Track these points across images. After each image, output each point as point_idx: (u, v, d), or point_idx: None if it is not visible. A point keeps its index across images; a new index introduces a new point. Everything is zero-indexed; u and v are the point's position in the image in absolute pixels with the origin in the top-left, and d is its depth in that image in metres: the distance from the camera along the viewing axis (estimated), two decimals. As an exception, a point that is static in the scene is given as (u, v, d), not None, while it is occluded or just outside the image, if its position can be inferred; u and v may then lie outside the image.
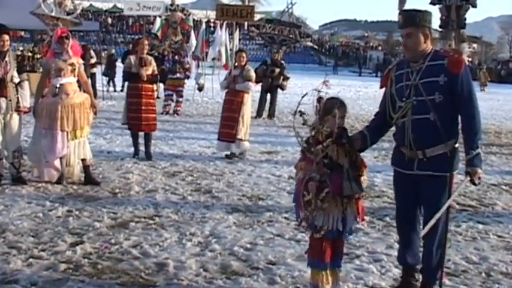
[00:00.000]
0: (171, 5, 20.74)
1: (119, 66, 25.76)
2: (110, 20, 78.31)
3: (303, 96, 4.45)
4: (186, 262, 5.92)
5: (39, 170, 8.87)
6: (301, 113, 4.53)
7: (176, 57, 19.33)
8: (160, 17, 20.94)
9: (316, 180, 4.58)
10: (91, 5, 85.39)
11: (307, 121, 4.56)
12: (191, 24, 22.17)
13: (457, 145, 5.01)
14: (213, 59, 23.77)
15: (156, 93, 14.81)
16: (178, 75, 19.08)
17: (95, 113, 9.26)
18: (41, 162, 8.77)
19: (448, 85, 4.84)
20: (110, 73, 26.02)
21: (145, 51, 11.36)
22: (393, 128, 5.28)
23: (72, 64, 8.76)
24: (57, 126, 8.52)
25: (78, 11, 18.68)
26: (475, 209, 8.67)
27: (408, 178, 5.11)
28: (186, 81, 19.95)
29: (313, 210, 4.64)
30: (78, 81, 9.02)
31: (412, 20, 4.96)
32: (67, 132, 8.62)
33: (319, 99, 4.60)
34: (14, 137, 8.70)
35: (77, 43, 9.46)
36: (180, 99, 19.41)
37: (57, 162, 8.78)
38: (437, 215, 4.79)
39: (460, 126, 5.05)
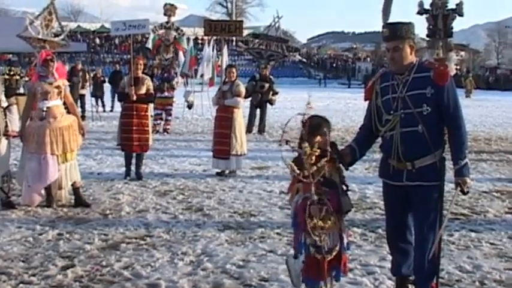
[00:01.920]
0: (167, 22, 20.81)
1: (107, 86, 25.83)
2: (98, 41, 78.43)
3: (286, 124, 4.40)
4: (178, 282, 5.87)
5: (22, 194, 8.81)
6: (287, 142, 4.49)
7: (165, 75, 19.35)
8: (154, 32, 20.99)
9: (315, 202, 4.52)
10: (79, 26, 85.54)
11: (294, 148, 4.52)
12: (185, 46, 22.16)
13: (444, 154, 5.00)
14: (202, 75, 23.77)
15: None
16: (166, 93, 19.09)
17: (83, 135, 9.16)
18: (24, 185, 8.73)
19: (435, 97, 4.84)
20: (97, 93, 25.88)
21: (140, 71, 11.32)
22: (379, 139, 5.27)
23: (58, 87, 8.71)
24: (47, 150, 8.45)
25: (66, 33, 18.65)
26: (467, 217, 8.65)
27: (397, 189, 5.10)
28: (174, 99, 19.95)
29: (320, 234, 4.58)
30: (64, 103, 8.98)
31: (399, 32, 4.93)
32: (57, 156, 8.57)
33: (304, 123, 4.55)
34: (3, 162, 8.65)
35: (62, 65, 9.39)
36: (170, 117, 19.42)
37: (39, 188, 8.68)
38: (438, 236, 4.81)
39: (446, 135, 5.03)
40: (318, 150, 4.46)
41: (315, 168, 4.49)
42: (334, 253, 4.67)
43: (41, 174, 8.49)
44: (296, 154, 4.65)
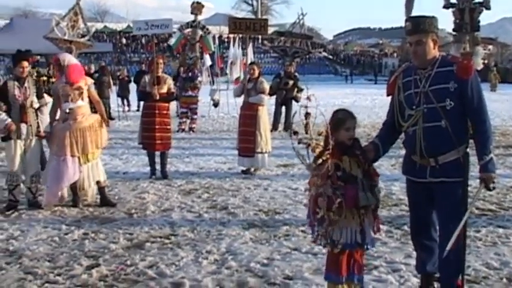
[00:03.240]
0: (193, 21, 20.93)
1: (133, 85, 25.98)
2: (124, 41, 78.81)
3: (293, 116, 4.39)
4: (203, 281, 5.88)
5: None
6: (295, 132, 4.47)
7: (189, 74, 19.37)
8: (180, 31, 21.12)
9: (325, 195, 4.52)
10: (105, 26, 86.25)
11: (301, 139, 4.50)
12: (212, 49, 22.24)
13: (468, 149, 4.92)
14: (226, 74, 23.85)
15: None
16: (190, 92, 19.10)
17: (107, 125, 9.19)
18: (45, 186, 8.85)
19: (458, 91, 4.76)
20: (122, 93, 25.98)
21: (161, 70, 11.35)
22: (402, 135, 5.21)
23: (78, 88, 8.71)
24: (66, 152, 8.51)
25: (91, 33, 18.83)
26: (495, 213, 8.54)
27: (421, 186, 5.04)
28: (200, 98, 19.96)
29: (328, 225, 4.59)
30: (90, 101, 9.00)
31: (422, 26, 4.86)
32: (78, 158, 8.61)
33: (306, 114, 4.55)
34: (33, 162, 8.79)
35: (79, 66, 9.19)
36: (195, 116, 19.43)
37: (56, 189, 8.69)
38: (458, 229, 4.70)
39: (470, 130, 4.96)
40: (321, 143, 4.46)
41: (320, 160, 4.49)
42: (339, 246, 4.65)
43: (58, 176, 8.54)
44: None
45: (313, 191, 4.67)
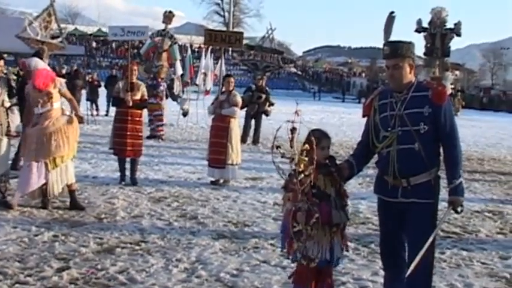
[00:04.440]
0: (163, 30, 20.90)
1: (103, 89, 25.87)
2: (94, 44, 78.43)
3: (277, 130, 4.47)
4: (173, 288, 5.94)
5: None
6: (278, 147, 4.56)
7: (154, 81, 19.37)
8: (151, 38, 21.10)
9: (303, 210, 4.63)
10: (76, 29, 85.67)
11: (285, 154, 4.60)
12: (177, 57, 22.33)
13: (439, 172, 5.07)
14: (204, 84, 23.77)
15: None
16: (152, 99, 18.72)
17: (81, 123, 9.22)
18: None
19: (432, 116, 4.91)
20: (91, 96, 25.91)
21: (135, 77, 11.37)
22: (376, 156, 5.34)
23: (48, 93, 8.63)
24: (31, 158, 8.53)
25: (64, 35, 18.71)
26: (459, 236, 8.74)
27: (392, 206, 5.16)
28: (164, 106, 19.84)
29: (305, 240, 4.69)
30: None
31: (399, 51, 5.01)
32: (46, 163, 8.60)
33: (293, 129, 4.62)
34: (2, 161, 8.72)
35: (44, 72, 8.82)
36: (160, 123, 19.30)
37: (18, 193, 8.77)
38: (422, 251, 4.82)
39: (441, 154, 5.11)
40: (306, 158, 4.56)
41: (302, 175, 4.59)
42: (316, 261, 4.76)
43: (22, 181, 8.62)
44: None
45: (290, 206, 4.77)
